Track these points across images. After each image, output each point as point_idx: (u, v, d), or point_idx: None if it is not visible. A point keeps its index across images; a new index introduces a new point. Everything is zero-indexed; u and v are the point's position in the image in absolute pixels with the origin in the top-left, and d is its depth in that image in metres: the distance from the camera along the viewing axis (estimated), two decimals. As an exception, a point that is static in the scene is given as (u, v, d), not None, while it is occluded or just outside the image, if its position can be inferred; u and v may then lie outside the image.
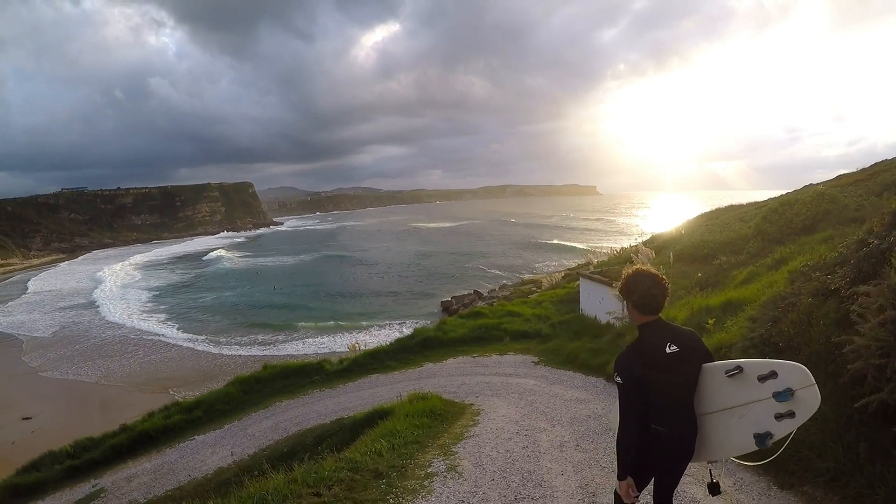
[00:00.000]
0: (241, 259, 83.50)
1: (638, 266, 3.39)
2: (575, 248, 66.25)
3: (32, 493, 11.94)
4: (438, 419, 7.91)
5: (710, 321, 8.63)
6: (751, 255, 14.74)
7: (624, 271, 3.38)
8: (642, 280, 3.22)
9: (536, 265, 56.64)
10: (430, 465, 5.89)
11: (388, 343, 18.48)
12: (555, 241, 77.98)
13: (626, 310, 8.31)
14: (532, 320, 18.78)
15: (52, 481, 12.31)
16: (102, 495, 10.78)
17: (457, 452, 6.35)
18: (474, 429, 7.41)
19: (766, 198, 24.46)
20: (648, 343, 3.14)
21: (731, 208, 26.17)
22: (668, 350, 3.11)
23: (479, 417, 8.17)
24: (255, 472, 10.00)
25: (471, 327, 17.99)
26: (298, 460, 9.38)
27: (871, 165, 19.33)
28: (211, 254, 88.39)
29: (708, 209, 28.77)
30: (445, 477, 5.56)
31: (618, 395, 3.15)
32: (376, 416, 9.21)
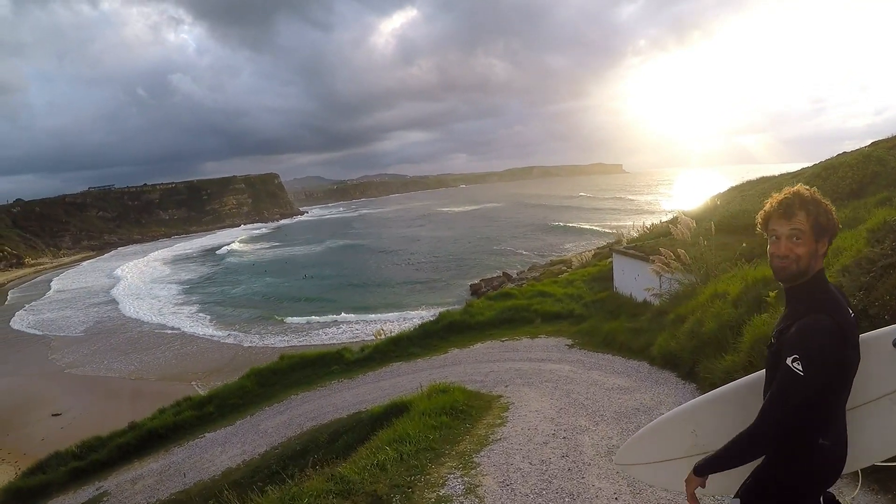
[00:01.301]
0: (268, 250, 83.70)
1: (803, 186, 2.17)
2: (599, 230, 64.25)
3: (36, 496, 11.36)
4: (460, 417, 6.88)
5: (770, 294, 7.44)
6: (795, 223, 13.48)
7: (798, 191, 2.11)
8: (829, 204, 2.13)
9: (565, 245, 55.21)
10: (443, 484, 4.84)
11: (411, 328, 17.54)
12: (578, 224, 75.32)
13: (676, 280, 6.98)
14: (564, 300, 17.61)
15: (56, 484, 11.73)
16: (105, 499, 10.13)
17: (479, 464, 5.30)
18: (502, 429, 6.35)
19: (796, 169, 22.89)
20: (841, 307, 2.04)
21: (763, 180, 24.71)
22: (850, 313, 2.08)
23: (507, 413, 7.12)
24: (265, 473, 9.45)
25: (499, 309, 16.86)
26: (311, 460, 8.76)
27: (903, 131, 17.76)
28: (223, 248, 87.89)
29: (737, 183, 27.29)
30: (462, 502, 4.53)
31: (781, 385, 1.95)
32: (394, 411, 8.52)
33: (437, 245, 66.70)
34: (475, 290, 36.90)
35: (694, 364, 7.97)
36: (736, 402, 2.42)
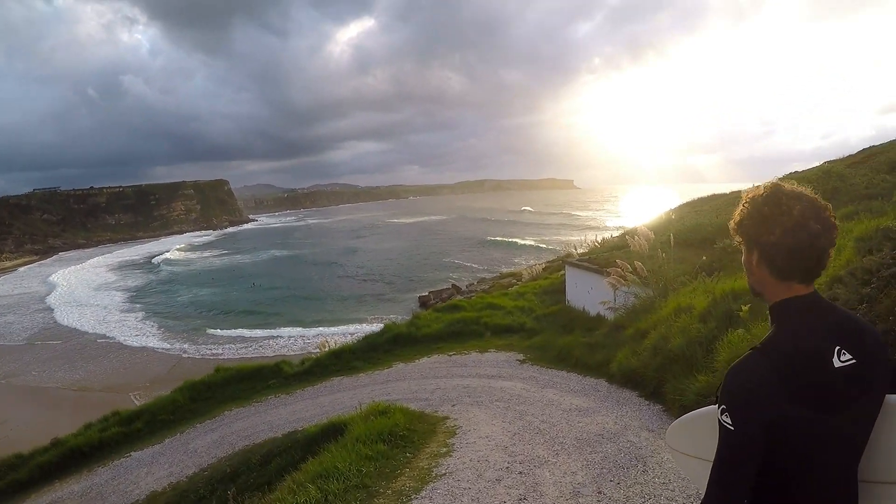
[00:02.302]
0: (215, 258, 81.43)
1: (776, 182, 1.62)
2: (539, 245, 64.10)
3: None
4: (400, 445, 5.94)
5: (743, 308, 6.82)
6: (756, 237, 13.23)
7: (746, 194, 1.66)
8: (791, 204, 1.53)
9: (514, 259, 54.87)
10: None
11: (354, 341, 16.52)
12: (517, 239, 74.48)
13: (620, 295, 6.37)
14: (514, 313, 16.90)
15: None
16: (19, 526, 8.80)
17: (419, 510, 4.40)
18: (447, 461, 5.44)
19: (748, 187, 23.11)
20: (797, 346, 1.48)
21: (714, 197, 24.84)
22: (837, 361, 1.47)
23: (454, 440, 6.21)
24: (191, 499, 8.52)
25: (447, 322, 16.01)
26: (242, 484, 7.86)
27: (861, 151, 17.97)
28: (157, 257, 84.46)
29: (689, 200, 27.39)
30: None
31: (718, 444, 1.48)
32: (331, 431, 7.77)
33: (386, 257, 65.56)
34: (424, 303, 36.16)
35: (659, 383, 7.28)
36: None
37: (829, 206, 1.56)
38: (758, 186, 1.63)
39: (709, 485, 1.48)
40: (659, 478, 4.64)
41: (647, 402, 7.21)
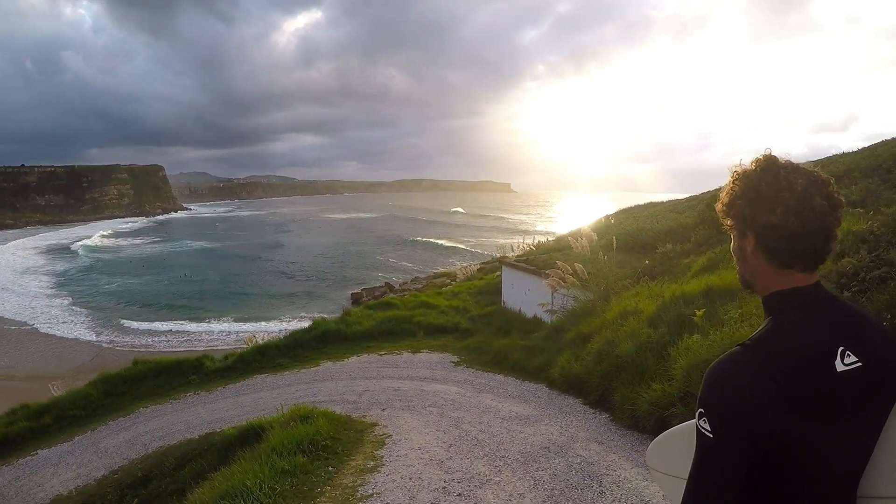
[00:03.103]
0: (147, 245, 77.93)
1: (770, 154, 1.36)
2: (469, 248, 63.82)
3: None
4: (321, 457, 5.19)
5: (697, 312, 6.43)
6: (698, 243, 13.25)
7: (735, 169, 1.38)
8: (792, 179, 1.27)
9: (449, 259, 54.42)
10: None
11: (281, 336, 15.50)
12: (442, 241, 74.09)
13: (560, 295, 5.94)
14: (448, 313, 16.32)
15: None
16: None
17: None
18: (375, 477, 4.71)
19: (683, 197, 23.53)
20: (793, 345, 1.24)
21: (651, 205, 25.13)
22: (840, 364, 1.23)
23: (383, 451, 5.50)
24: None
25: (379, 319, 15.23)
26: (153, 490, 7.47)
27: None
28: (77, 243, 79.15)
29: (625, 206, 27.69)
30: None
31: (695, 453, 1.26)
32: (250, 435, 7.09)
33: (319, 252, 63.75)
34: (356, 300, 35.32)
35: (606, 391, 6.81)
36: None
37: (832, 179, 1.31)
38: (749, 161, 1.37)
39: (683, 499, 1.28)
40: (619, 500, 4.09)
41: (592, 411, 6.72)
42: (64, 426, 11.80)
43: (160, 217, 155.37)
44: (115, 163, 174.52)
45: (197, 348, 24.20)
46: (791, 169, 1.29)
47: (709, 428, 1.21)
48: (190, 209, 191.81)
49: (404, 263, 53.03)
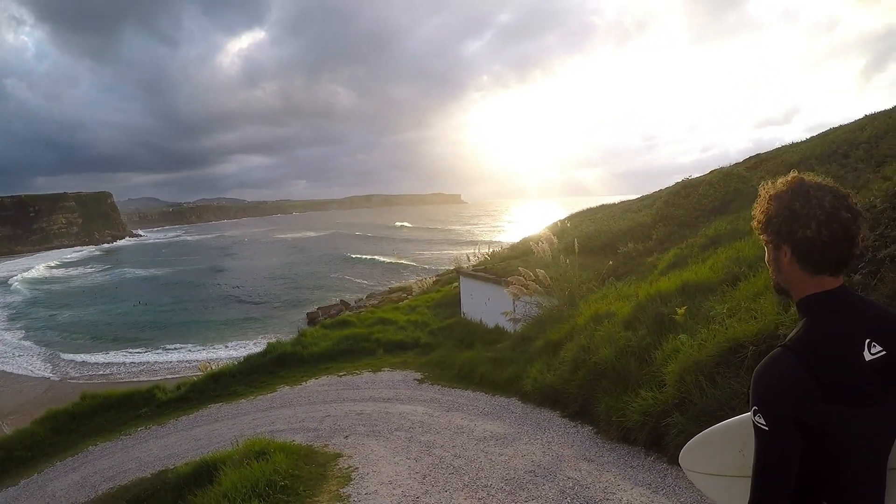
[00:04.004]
0: (99, 274, 75.05)
1: (798, 175, 1.56)
2: (413, 263, 63.24)
3: None
4: (280, 500, 4.54)
5: (678, 311, 6.05)
6: (660, 241, 13.13)
7: (768, 190, 1.59)
8: (821, 196, 1.48)
9: (402, 273, 53.62)
10: None
11: (235, 362, 14.62)
12: (391, 256, 73.15)
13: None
14: (408, 328, 15.73)
15: None
16: None
17: None
18: (343, 524, 4.12)
19: (634, 198, 23.47)
20: (827, 340, 1.46)
21: (604, 207, 25.14)
22: (868, 354, 1.45)
23: (349, 489, 4.86)
24: None
25: (336, 339, 14.47)
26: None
27: (749, 157, 18.49)
28: (14, 278, 74.60)
29: (578, 210, 27.63)
30: None
31: (755, 448, 1.48)
32: (204, 471, 6.54)
33: (270, 273, 61.92)
34: (312, 319, 34.34)
35: (586, 401, 6.34)
36: None
37: (851, 192, 1.53)
38: (776, 181, 1.61)
39: (751, 490, 1.49)
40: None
41: (573, 424, 6.24)
42: (9, 468, 10.91)
43: (110, 245, 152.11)
44: (62, 191, 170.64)
45: (150, 378, 23.05)
46: (818, 188, 1.50)
47: (764, 422, 1.44)
48: (140, 235, 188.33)
49: (359, 281, 52.03)
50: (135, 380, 23.49)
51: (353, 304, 37.08)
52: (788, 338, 1.48)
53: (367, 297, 38.87)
